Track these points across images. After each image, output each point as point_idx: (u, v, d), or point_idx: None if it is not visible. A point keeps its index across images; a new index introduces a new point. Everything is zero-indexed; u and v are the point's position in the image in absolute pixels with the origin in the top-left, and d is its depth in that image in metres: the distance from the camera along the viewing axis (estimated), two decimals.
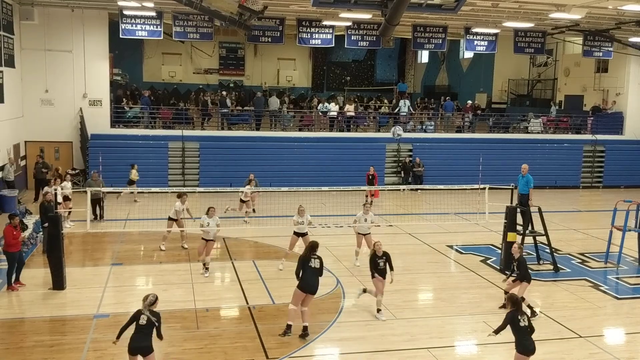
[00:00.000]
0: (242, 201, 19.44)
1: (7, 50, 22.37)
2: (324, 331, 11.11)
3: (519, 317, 8.66)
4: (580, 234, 19.56)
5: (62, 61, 24.88)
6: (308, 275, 10.62)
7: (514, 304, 8.80)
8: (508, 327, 8.77)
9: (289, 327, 10.68)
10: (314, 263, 10.67)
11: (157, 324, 8.52)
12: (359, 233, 15.21)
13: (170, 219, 16.36)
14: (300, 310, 10.64)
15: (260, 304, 12.46)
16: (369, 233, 15.08)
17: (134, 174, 22.54)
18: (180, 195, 16.51)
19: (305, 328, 10.62)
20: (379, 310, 11.80)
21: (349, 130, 28.98)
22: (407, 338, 10.89)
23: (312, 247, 10.88)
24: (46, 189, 16.90)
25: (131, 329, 8.60)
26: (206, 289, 13.40)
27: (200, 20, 23.43)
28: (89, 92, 25.34)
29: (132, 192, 22.24)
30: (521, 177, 16.34)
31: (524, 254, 12.39)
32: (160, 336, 8.67)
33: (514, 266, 12.09)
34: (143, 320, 8.51)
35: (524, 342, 8.61)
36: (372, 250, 12.16)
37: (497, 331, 8.98)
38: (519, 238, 14.98)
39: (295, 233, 14.65)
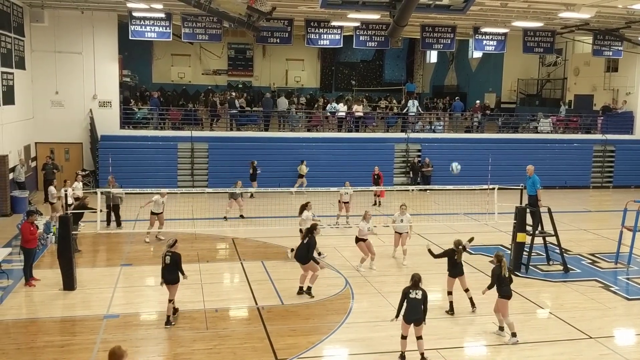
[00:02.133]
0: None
1: (17, 52, 22.54)
2: (332, 332, 11.12)
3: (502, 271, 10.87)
4: (590, 235, 19.46)
5: (72, 63, 25.04)
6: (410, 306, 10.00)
7: (498, 260, 10.98)
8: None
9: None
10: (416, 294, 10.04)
11: (177, 262, 11.19)
12: (396, 232, 15.81)
13: (152, 213, 17.18)
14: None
15: (269, 304, 12.49)
16: (407, 232, 15.72)
17: (304, 169, 23.55)
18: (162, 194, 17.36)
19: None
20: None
21: (357, 131, 28.97)
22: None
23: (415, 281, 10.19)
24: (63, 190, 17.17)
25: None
26: (215, 290, 13.45)
27: (209, 22, 23.52)
28: (99, 93, 25.49)
29: (299, 187, 23.51)
30: (528, 179, 16.27)
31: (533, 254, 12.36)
32: (181, 272, 11.29)
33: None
34: (167, 259, 11.17)
35: (505, 289, 10.88)
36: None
37: (489, 287, 11.10)
38: (528, 238, 14.96)
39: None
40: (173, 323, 11.21)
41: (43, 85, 24.73)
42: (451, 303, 12.21)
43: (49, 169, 22.41)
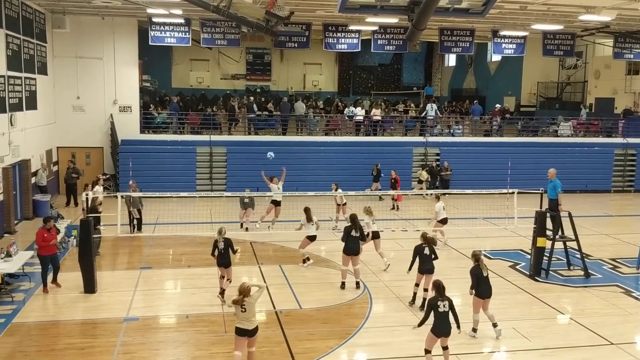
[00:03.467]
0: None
1: (40, 58, 22.89)
2: (351, 336, 11.11)
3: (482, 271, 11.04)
4: (611, 239, 19.21)
5: (93, 68, 25.36)
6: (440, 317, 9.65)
7: (476, 260, 11.19)
8: None
9: None
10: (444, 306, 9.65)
11: (230, 246, 12.77)
12: (437, 221, 17.22)
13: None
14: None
15: (287, 308, 12.51)
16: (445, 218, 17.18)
17: (424, 175, 23.71)
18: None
19: None
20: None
21: (375, 135, 28.93)
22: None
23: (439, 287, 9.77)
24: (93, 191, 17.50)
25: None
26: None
27: (228, 27, 23.66)
28: (119, 98, 25.78)
29: (425, 193, 24.46)
30: (549, 182, 16.12)
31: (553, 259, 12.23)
32: (234, 251, 13.00)
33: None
34: (221, 244, 12.65)
35: (483, 288, 11.05)
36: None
37: (472, 288, 11.12)
38: (549, 242, 14.80)
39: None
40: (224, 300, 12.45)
41: (64, 90, 25.08)
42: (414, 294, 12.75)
43: (70, 173, 22.71)
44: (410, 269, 12.59)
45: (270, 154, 19.06)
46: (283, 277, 14.63)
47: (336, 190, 19.08)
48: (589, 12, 19.95)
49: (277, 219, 18.92)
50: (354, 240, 13.70)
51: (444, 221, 17.36)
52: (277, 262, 15.92)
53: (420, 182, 24.32)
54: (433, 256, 12.53)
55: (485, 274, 11.04)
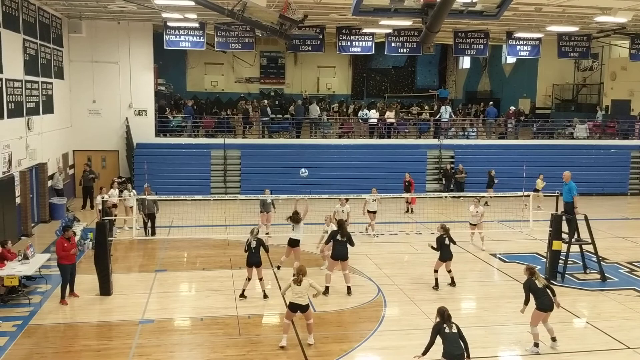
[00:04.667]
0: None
1: (56, 62, 23.14)
2: (364, 340, 11.09)
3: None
4: (628, 242, 19.02)
5: (109, 72, 25.60)
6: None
7: (531, 274, 10.80)
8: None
9: None
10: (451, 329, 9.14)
11: (262, 244, 13.27)
12: (471, 224, 17.83)
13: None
14: None
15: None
16: (481, 222, 17.59)
17: (540, 184, 23.34)
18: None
19: None
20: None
21: (389, 137, 28.89)
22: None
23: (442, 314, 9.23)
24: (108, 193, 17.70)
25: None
26: (248, 296, 13.53)
27: (242, 31, 23.78)
28: (135, 102, 25.98)
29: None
30: (564, 185, 16.00)
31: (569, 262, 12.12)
32: (267, 250, 13.57)
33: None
34: (253, 243, 13.09)
35: (542, 300, 10.65)
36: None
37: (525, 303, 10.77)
38: (564, 246, 14.68)
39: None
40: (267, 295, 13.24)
41: (81, 94, 25.33)
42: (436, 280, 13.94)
43: (86, 177, 22.92)
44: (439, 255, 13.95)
45: (304, 170, 18.70)
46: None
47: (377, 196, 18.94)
48: (604, 13, 19.80)
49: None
50: (341, 244, 13.63)
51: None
52: (291, 264, 15.89)
53: (536, 190, 23.16)
54: (451, 243, 13.97)
55: (540, 286, 10.66)
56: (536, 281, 10.67)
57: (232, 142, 26.91)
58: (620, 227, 21.22)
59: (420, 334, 11.26)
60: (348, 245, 13.70)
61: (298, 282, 10.62)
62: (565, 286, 14.44)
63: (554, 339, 10.83)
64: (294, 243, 14.91)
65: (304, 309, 10.66)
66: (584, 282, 14.78)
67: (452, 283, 14.19)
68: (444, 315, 9.11)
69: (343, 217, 16.95)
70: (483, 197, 21.09)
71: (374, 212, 19.26)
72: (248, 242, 13.21)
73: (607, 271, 15.28)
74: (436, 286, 13.91)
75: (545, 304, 10.61)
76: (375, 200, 19.13)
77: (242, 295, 13.19)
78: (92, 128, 25.41)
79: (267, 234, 17.66)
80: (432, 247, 13.99)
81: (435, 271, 13.97)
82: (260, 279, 13.37)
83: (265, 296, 13.25)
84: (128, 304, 12.92)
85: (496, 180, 23.89)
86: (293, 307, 10.67)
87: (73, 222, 18.36)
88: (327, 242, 14.17)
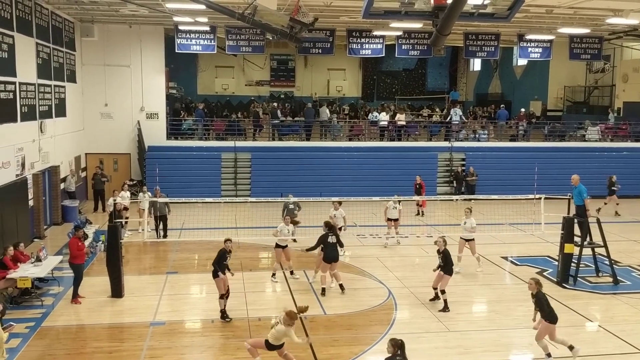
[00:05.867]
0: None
1: (69, 66, 23.32)
2: (375, 343, 11.07)
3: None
4: None
5: (121, 76, 25.77)
6: None
7: (540, 286, 10.24)
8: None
9: None
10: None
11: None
12: (461, 238, 15.62)
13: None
14: None
15: (311, 314, 12.47)
16: (472, 239, 15.39)
17: (614, 178, 23.03)
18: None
19: None
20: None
21: (399, 140, 28.85)
22: (461, 351, 10.74)
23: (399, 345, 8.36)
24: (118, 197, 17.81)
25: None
26: (258, 299, 13.56)
27: (252, 34, 23.86)
28: (146, 105, 26.14)
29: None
30: (574, 189, 15.91)
31: (582, 265, 12.04)
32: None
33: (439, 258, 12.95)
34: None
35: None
36: None
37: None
38: (577, 249, 14.59)
39: None
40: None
41: (93, 97, 25.51)
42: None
43: (98, 179, 23.06)
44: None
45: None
46: (307, 282, 14.64)
47: (399, 202, 18.12)
48: (616, 15, 19.67)
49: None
50: (332, 246, 13.65)
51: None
52: (302, 267, 15.91)
53: (612, 186, 22.48)
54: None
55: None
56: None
57: (243, 144, 26.99)
58: (633, 230, 21.04)
59: (431, 337, 11.26)
60: (338, 247, 13.85)
61: (280, 324, 9.45)
62: (578, 289, 14.35)
63: (571, 347, 10.37)
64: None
65: (277, 348, 9.61)
66: (596, 285, 14.67)
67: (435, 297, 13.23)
68: (395, 346, 8.18)
69: (339, 222, 16.67)
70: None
71: (396, 220, 18.17)
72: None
73: (620, 274, 15.16)
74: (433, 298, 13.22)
75: (553, 315, 10.21)
76: (396, 207, 18.09)
77: (323, 293, 13.48)
78: (104, 131, 25.58)
79: (294, 240, 16.58)
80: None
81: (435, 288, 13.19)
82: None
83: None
84: (139, 306, 12.98)
85: (618, 187, 23.08)
86: (268, 345, 9.57)
87: (85, 224, 18.48)
88: (316, 247, 13.87)
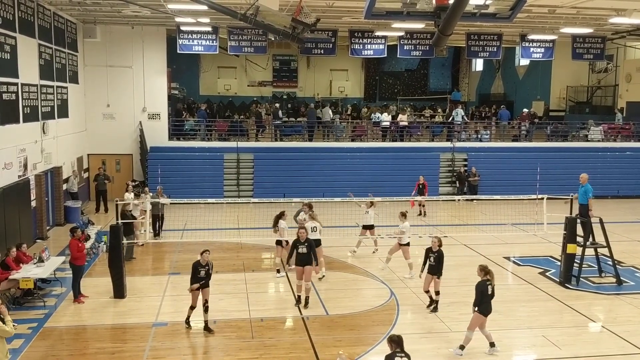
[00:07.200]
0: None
1: (71, 67, 23.35)
2: (377, 343, 11.06)
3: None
4: None
5: (123, 76, 25.79)
6: None
7: (485, 273, 10.65)
8: None
9: None
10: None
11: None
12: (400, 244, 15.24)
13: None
14: None
15: (314, 314, 12.51)
16: (407, 244, 15.12)
17: None
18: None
19: None
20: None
21: (402, 140, 28.84)
22: (464, 351, 10.71)
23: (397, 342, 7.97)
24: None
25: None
26: (261, 299, 13.56)
27: (255, 35, 23.86)
28: (148, 106, 26.16)
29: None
30: (580, 187, 15.87)
31: (584, 265, 12.01)
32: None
33: (431, 258, 12.64)
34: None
35: (486, 306, 10.49)
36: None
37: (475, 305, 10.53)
38: (579, 249, 14.56)
39: None
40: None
41: (95, 98, 25.54)
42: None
43: (100, 180, 23.08)
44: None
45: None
46: (310, 282, 14.61)
47: (372, 205, 16.81)
48: (619, 14, 19.64)
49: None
50: (301, 255, 12.94)
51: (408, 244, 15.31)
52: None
53: None
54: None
55: (490, 292, 10.49)
56: (489, 286, 10.48)
57: (245, 145, 26.99)
58: (636, 230, 20.99)
59: (434, 338, 11.25)
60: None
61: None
62: (581, 290, 14.32)
63: (492, 345, 10.61)
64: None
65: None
66: (600, 286, 14.64)
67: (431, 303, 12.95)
68: (400, 343, 7.90)
69: (370, 220, 16.61)
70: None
71: (371, 228, 16.89)
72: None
73: (623, 275, 15.13)
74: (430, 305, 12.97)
75: (488, 309, 10.48)
76: (368, 211, 16.64)
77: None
78: (106, 132, 25.60)
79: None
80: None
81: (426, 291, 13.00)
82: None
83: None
84: (142, 306, 12.99)
85: None
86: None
87: (87, 225, 18.51)
88: (290, 254, 13.48)
